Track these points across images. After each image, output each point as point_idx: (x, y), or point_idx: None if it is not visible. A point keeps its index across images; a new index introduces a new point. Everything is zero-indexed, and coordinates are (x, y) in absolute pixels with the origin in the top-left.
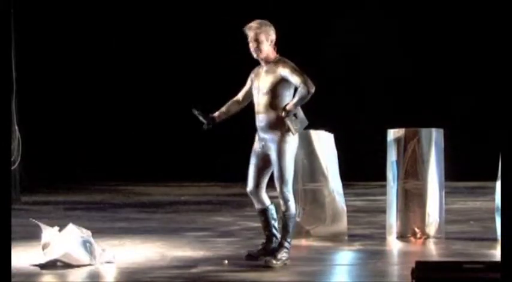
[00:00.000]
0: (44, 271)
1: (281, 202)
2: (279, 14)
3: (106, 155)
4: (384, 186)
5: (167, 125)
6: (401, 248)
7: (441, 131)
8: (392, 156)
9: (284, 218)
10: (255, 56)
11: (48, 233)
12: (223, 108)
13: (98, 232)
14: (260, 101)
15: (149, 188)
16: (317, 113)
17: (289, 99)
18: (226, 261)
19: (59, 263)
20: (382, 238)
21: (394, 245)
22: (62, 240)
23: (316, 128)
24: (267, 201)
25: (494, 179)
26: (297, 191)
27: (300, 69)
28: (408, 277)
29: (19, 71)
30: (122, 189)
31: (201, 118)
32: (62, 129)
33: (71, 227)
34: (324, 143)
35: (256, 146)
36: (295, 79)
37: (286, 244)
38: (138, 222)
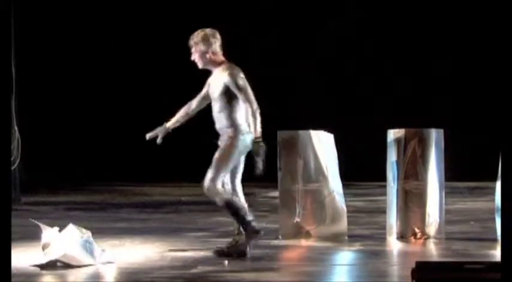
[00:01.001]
0: (44, 271)
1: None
2: (276, 13)
3: (106, 155)
4: (384, 186)
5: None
6: (402, 248)
7: (441, 131)
8: (392, 156)
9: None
10: (199, 65)
11: (48, 233)
12: (176, 118)
13: (98, 232)
14: (213, 106)
15: (149, 188)
16: (317, 113)
17: (237, 105)
18: (226, 262)
19: (59, 263)
20: (382, 238)
21: (394, 245)
22: (62, 240)
23: (316, 128)
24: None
25: (495, 179)
26: (297, 191)
27: (244, 81)
28: (408, 277)
29: (19, 71)
30: (121, 189)
31: (159, 135)
32: (62, 129)
33: (71, 228)
34: (324, 143)
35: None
36: (238, 94)
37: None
38: (138, 223)
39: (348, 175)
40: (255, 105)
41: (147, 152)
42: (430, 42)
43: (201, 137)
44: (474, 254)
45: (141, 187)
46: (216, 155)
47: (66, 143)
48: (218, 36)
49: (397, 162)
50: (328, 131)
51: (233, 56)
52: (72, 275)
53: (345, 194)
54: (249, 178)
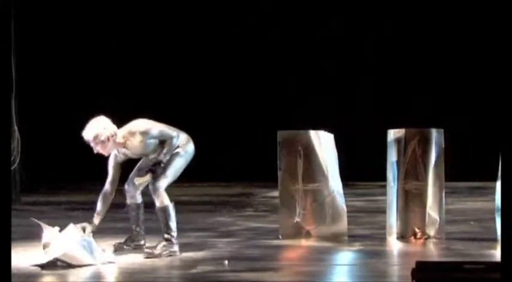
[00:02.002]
0: (44, 271)
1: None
2: (276, 13)
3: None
4: (384, 186)
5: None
6: (402, 248)
7: (441, 131)
8: (392, 156)
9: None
10: (105, 154)
11: (49, 232)
12: (100, 211)
13: (98, 232)
14: (144, 162)
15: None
16: (317, 113)
17: (156, 144)
18: (226, 262)
19: (59, 263)
20: (382, 238)
21: (394, 245)
22: (63, 240)
23: (316, 128)
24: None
25: (495, 179)
26: (297, 191)
27: (155, 127)
28: (408, 277)
29: (19, 70)
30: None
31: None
32: (62, 129)
33: (71, 227)
34: (324, 143)
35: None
36: (161, 137)
37: (167, 237)
38: None
39: (348, 175)
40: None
41: None
42: (431, 42)
43: (200, 136)
44: (474, 254)
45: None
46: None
47: (66, 142)
48: (106, 119)
49: (397, 162)
50: (328, 131)
51: (233, 56)
52: (73, 275)
53: (345, 194)
54: (250, 178)
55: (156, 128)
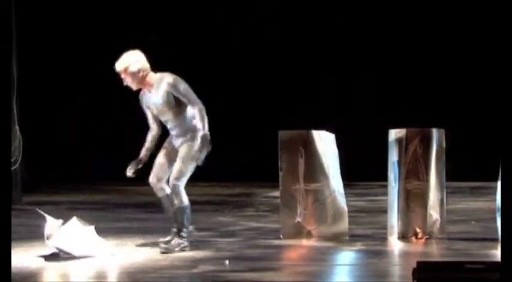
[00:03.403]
0: (45, 271)
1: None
2: (276, 13)
3: (107, 154)
4: (385, 186)
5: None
6: (403, 248)
7: (443, 131)
8: (393, 156)
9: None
10: (133, 88)
11: (52, 224)
12: (146, 148)
13: (99, 232)
14: (164, 118)
15: (150, 188)
16: (319, 113)
17: (185, 106)
18: (227, 262)
19: (61, 254)
20: (383, 238)
21: (395, 245)
22: (65, 231)
23: (318, 128)
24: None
25: (496, 179)
26: (298, 191)
27: (186, 85)
28: (409, 277)
29: (20, 70)
30: (123, 189)
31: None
32: (64, 128)
33: (74, 220)
34: (325, 143)
35: (169, 140)
36: (185, 98)
37: (182, 234)
38: (140, 222)
39: (349, 175)
40: (201, 105)
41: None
42: (432, 42)
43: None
44: (475, 253)
45: (143, 187)
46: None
47: (68, 142)
48: (142, 54)
49: (399, 162)
50: (329, 131)
51: (233, 55)
52: (74, 275)
53: (346, 194)
54: (251, 178)
55: (187, 87)
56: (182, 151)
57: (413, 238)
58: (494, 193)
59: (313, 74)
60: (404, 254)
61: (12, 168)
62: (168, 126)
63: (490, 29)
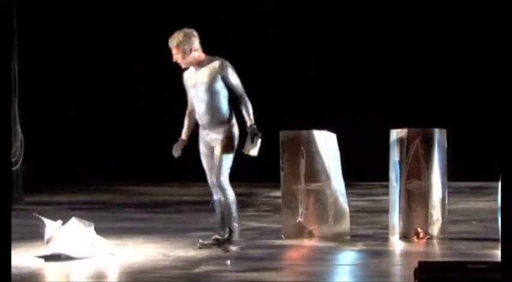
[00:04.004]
0: (45, 271)
1: (221, 192)
2: (276, 13)
3: (108, 154)
4: (387, 186)
5: (170, 125)
6: (404, 248)
7: (444, 131)
8: (395, 156)
9: (225, 206)
10: (182, 65)
11: (52, 226)
12: (186, 126)
13: (100, 232)
14: (203, 99)
15: (152, 188)
16: (320, 113)
17: (225, 95)
18: (228, 262)
19: (62, 256)
20: (384, 238)
21: (396, 245)
22: (65, 233)
23: (319, 128)
24: None
25: (497, 179)
26: (299, 191)
27: (236, 74)
28: (411, 277)
29: (21, 70)
30: (124, 189)
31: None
32: (65, 128)
33: (73, 221)
34: (327, 143)
35: (202, 141)
36: (235, 86)
37: (229, 230)
38: (141, 222)
39: (350, 175)
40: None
41: (150, 152)
42: (433, 41)
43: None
44: (477, 253)
45: (144, 187)
46: (220, 150)
47: (68, 142)
48: (196, 33)
49: (400, 162)
50: (331, 131)
51: (234, 56)
52: (75, 275)
53: (348, 194)
54: (252, 178)
55: (237, 76)
56: (217, 150)
57: (414, 238)
58: (496, 193)
59: (313, 73)
60: (406, 254)
61: (13, 168)
62: (200, 111)
63: (492, 29)
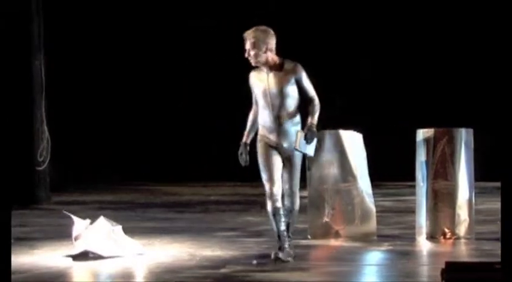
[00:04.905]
0: (73, 271)
1: (292, 200)
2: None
3: (135, 154)
4: (413, 186)
5: (197, 125)
6: (431, 248)
7: (471, 130)
8: (421, 156)
9: (291, 215)
10: (252, 62)
11: (80, 225)
12: (249, 129)
13: (126, 232)
14: (273, 102)
15: (178, 188)
16: (347, 113)
17: (297, 98)
18: (255, 262)
19: (90, 254)
20: (411, 238)
21: (423, 245)
22: (93, 232)
23: (346, 128)
24: None
25: None
26: (326, 191)
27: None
28: (438, 278)
29: (48, 72)
30: (150, 189)
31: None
32: (91, 129)
33: (101, 220)
34: (353, 143)
35: (268, 146)
36: (308, 89)
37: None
38: (167, 222)
39: (377, 175)
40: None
41: (176, 152)
42: (460, 42)
43: (230, 136)
44: None
45: (170, 187)
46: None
47: (95, 142)
48: (274, 33)
49: (427, 162)
50: (357, 131)
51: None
52: (102, 274)
53: (374, 194)
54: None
55: (309, 79)
56: (294, 161)
57: (441, 238)
58: None
59: (338, 74)
60: (433, 255)
61: (40, 168)
62: (270, 114)
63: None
